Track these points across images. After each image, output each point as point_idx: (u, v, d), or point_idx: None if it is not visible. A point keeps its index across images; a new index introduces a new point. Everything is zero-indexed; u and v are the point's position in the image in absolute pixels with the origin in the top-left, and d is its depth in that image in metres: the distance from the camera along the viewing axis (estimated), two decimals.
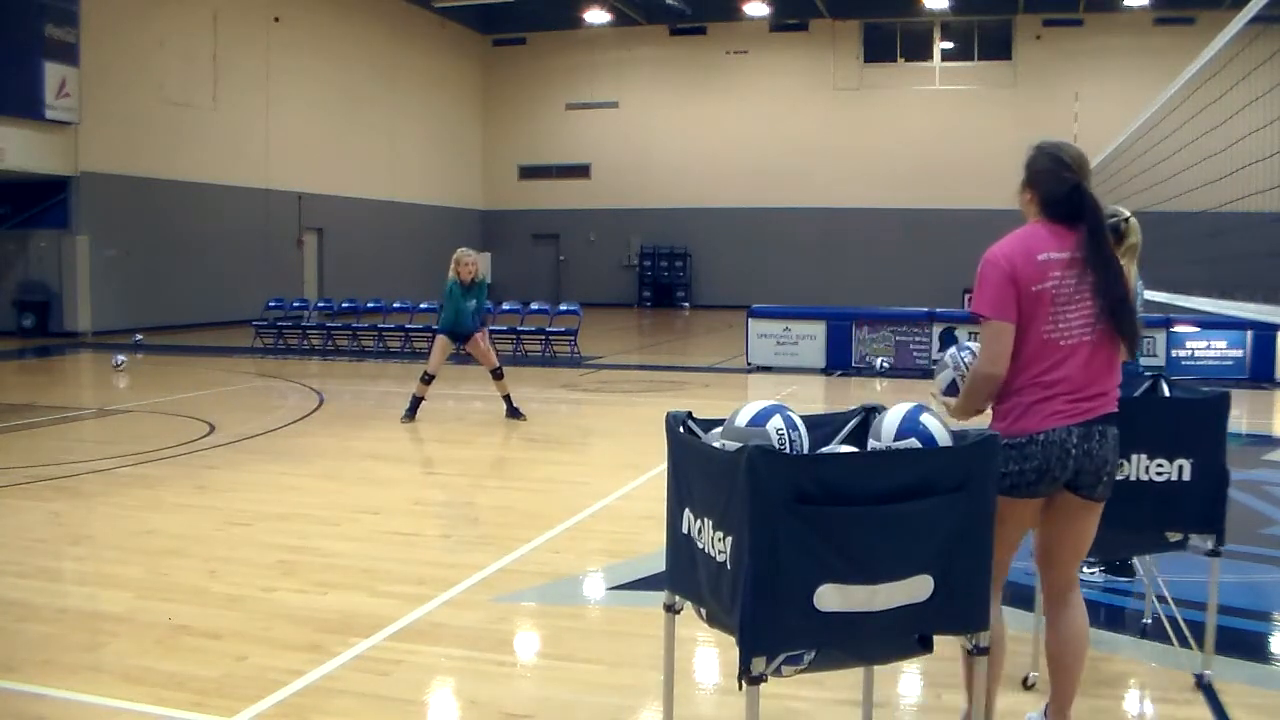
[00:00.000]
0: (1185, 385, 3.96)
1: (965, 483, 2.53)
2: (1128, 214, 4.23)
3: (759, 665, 2.43)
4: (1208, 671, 3.74)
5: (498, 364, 10.16)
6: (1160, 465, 3.52)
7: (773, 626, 2.42)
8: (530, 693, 3.79)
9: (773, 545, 2.39)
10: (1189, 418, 3.64)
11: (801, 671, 2.63)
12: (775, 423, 2.68)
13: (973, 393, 3.05)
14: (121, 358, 14.36)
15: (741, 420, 2.71)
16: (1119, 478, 3.42)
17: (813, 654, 2.57)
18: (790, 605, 2.42)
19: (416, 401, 9.88)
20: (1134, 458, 3.48)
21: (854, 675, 3.80)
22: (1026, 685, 3.72)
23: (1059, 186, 3.00)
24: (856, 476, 2.50)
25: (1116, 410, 3.02)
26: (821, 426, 3.02)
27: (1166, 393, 3.85)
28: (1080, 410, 2.94)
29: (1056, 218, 3.01)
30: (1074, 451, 2.94)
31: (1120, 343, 3.01)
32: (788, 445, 2.67)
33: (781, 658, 2.51)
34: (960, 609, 2.60)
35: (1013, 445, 2.92)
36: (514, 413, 10.00)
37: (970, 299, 3.08)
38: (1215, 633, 3.73)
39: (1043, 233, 3.00)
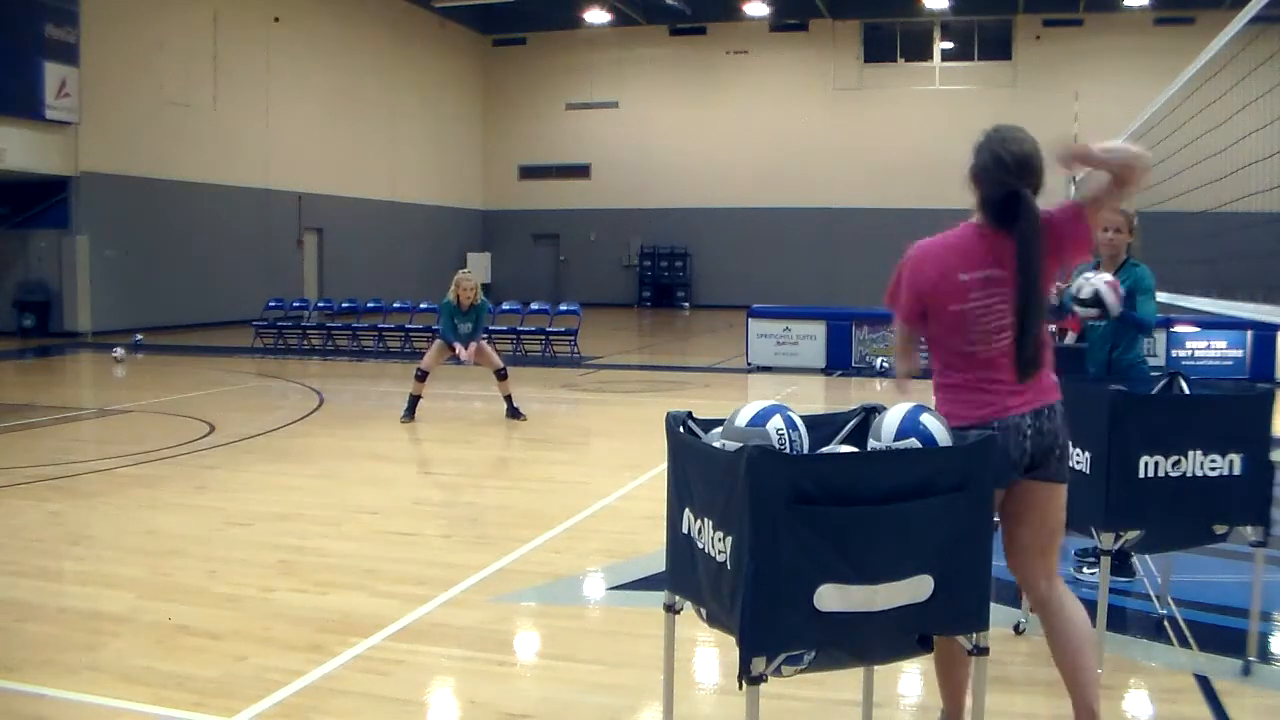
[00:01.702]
0: (1202, 382, 4.02)
1: (965, 482, 2.53)
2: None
3: (759, 665, 2.43)
4: (1252, 659, 3.85)
5: (502, 365, 10.15)
6: (1214, 460, 3.61)
7: (773, 627, 2.42)
8: (530, 693, 3.79)
9: (773, 545, 2.39)
10: (1240, 413, 3.75)
11: (801, 671, 2.62)
12: (775, 423, 2.69)
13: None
14: (120, 349, 15.15)
15: (741, 420, 2.71)
16: (1175, 474, 3.53)
17: (812, 654, 2.56)
18: (790, 605, 2.42)
19: (414, 401, 9.88)
20: (1190, 453, 3.57)
21: (854, 675, 3.79)
22: (1018, 631, 3.99)
23: (995, 189, 2.86)
24: (856, 476, 2.51)
25: (1058, 398, 2.96)
26: (822, 427, 3.02)
27: (1185, 390, 3.93)
28: (1025, 401, 2.90)
29: (992, 220, 2.89)
30: (1029, 432, 2.88)
31: (1016, 363, 2.86)
32: (787, 445, 2.67)
33: (781, 658, 2.50)
34: (961, 609, 2.59)
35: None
36: (514, 413, 10.00)
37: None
38: (1235, 630, 3.79)
39: (971, 243, 2.91)
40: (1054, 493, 2.97)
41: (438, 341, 10.06)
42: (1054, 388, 2.99)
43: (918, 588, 2.49)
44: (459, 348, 9.80)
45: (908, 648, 2.73)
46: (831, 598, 2.43)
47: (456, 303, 9.80)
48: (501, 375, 10.07)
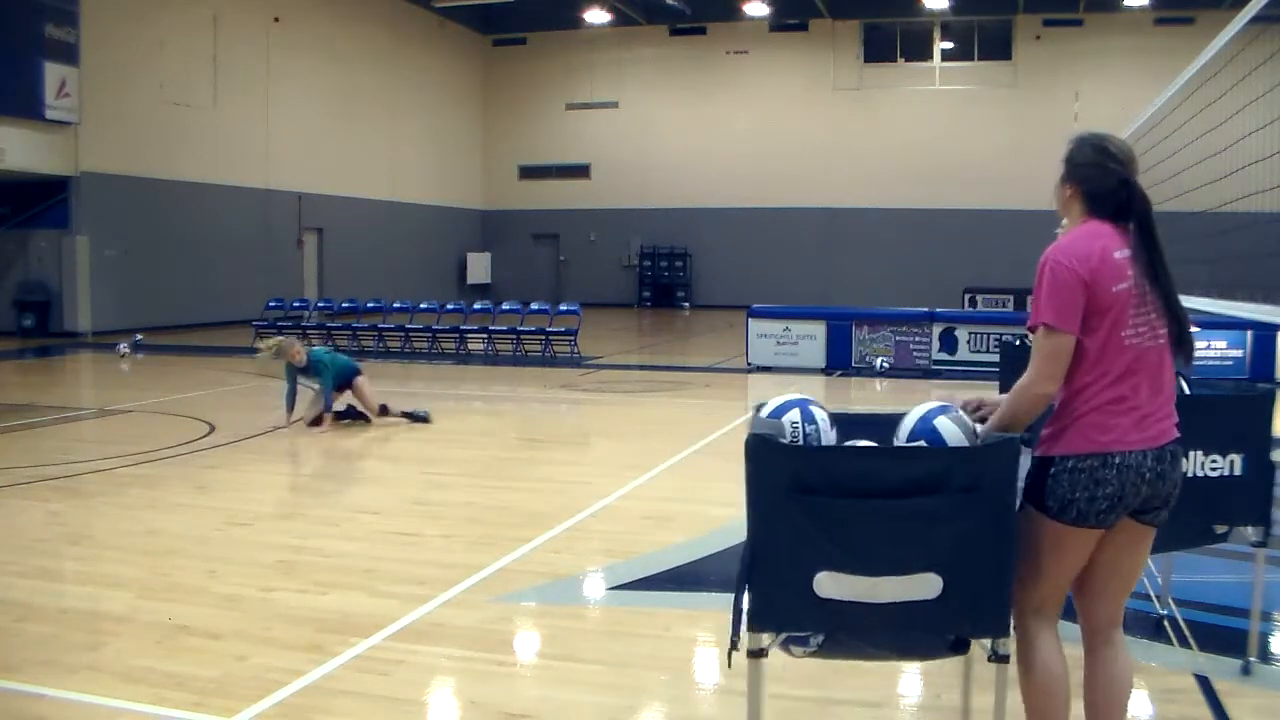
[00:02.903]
0: (1202, 382, 4.02)
1: (978, 484, 2.51)
2: None
3: (758, 640, 2.56)
4: (1252, 659, 3.85)
5: (375, 408, 9.63)
6: (1214, 460, 3.61)
7: (771, 605, 2.56)
8: (530, 693, 3.79)
9: (770, 530, 2.54)
10: (1240, 414, 3.75)
11: (813, 655, 2.74)
12: (792, 416, 2.82)
13: (1016, 414, 2.68)
14: (124, 346, 15.68)
15: (765, 411, 2.84)
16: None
17: (820, 639, 2.65)
18: (789, 588, 2.53)
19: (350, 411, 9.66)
20: (1191, 454, 3.56)
21: (854, 675, 3.80)
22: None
23: (1105, 180, 2.73)
24: (856, 470, 2.56)
25: (1179, 436, 2.75)
26: (877, 425, 3.05)
27: (1186, 390, 3.94)
28: (1154, 434, 2.67)
29: (1102, 215, 2.74)
30: (1148, 475, 2.64)
31: (1178, 353, 2.75)
32: (800, 438, 2.74)
33: (783, 637, 2.62)
34: (977, 612, 2.57)
35: (1081, 469, 2.62)
36: (401, 414, 9.65)
37: (1030, 303, 2.76)
38: (1235, 630, 3.77)
39: (1108, 229, 2.72)
40: (1149, 536, 2.79)
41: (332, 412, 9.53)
42: (1175, 414, 2.76)
43: (922, 585, 2.51)
44: (287, 414, 9.38)
45: (934, 647, 2.74)
46: (829, 585, 2.50)
47: (292, 367, 9.46)
48: (383, 412, 9.60)
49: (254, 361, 9.38)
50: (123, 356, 15.58)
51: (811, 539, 2.50)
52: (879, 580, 2.50)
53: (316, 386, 9.51)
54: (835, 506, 2.50)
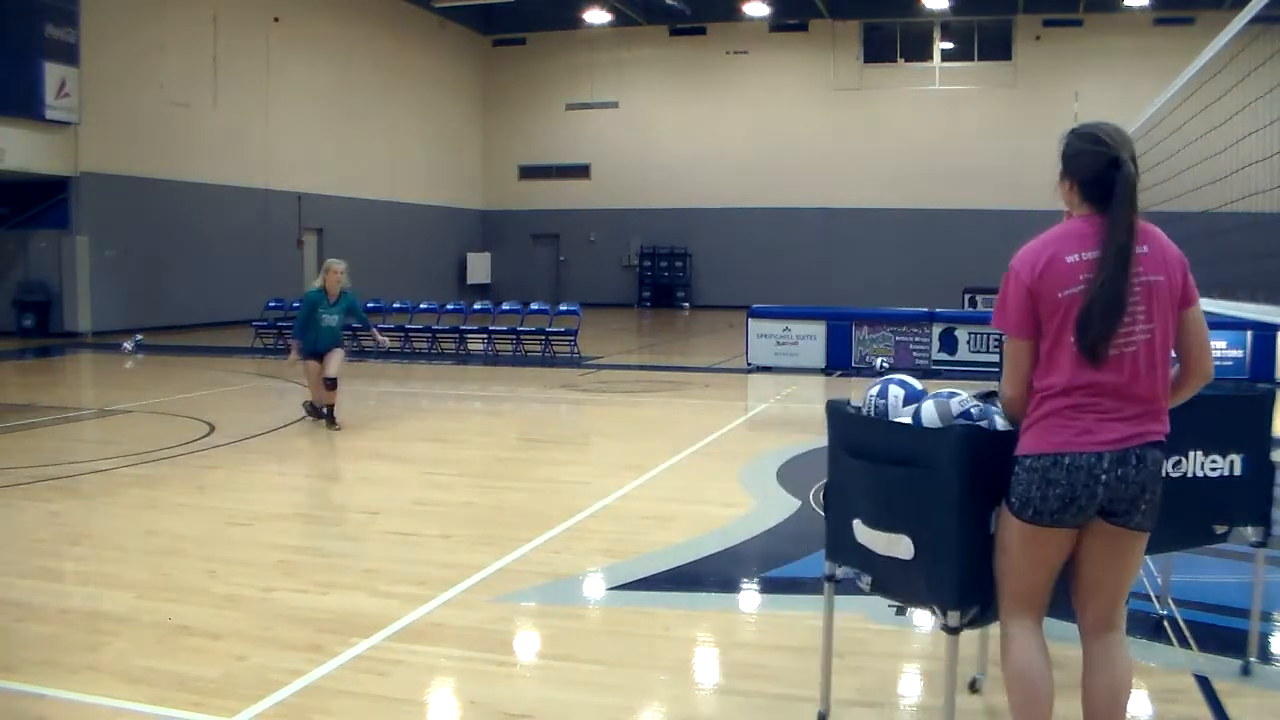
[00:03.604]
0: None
1: (928, 463, 2.84)
2: None
3: (829, 567, 3.29)
4: (1252, 659, 3.86)
5: (335, 376, 9.46)
6: (1214, 460, 3.60)
7: (833, 539, 3.26)
8: (530, 693, 3.79)
9: (831, 478, 3.26)
10: (1240, 413, 3.74)
11: (867, 593, 3.17)
12: (874, 389, 3.28)
13: (1007, 416, 2.84)
14: (129, 344, 16.24)
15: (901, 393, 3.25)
16: (1175, 474, 3.49)
17: (869, 579, 3.12)
18: (841, 527, 3.17)
19: (317, 408, 9.57)
20: (1190, 454, 3.56)
21: (854, 675, 3.80)
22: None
23: (1094, 162, 2.69)
24: (862, 437, 3.13)
25: (1160, 440, 2.68)
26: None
27: None
28: (1115, 436, 2.62)
29: (1094, 200, 2.69)
30: (1104, 478, 2.62)
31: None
32: (871, 408, 3.22)
33: (841, 568, 3.23)
34: (934, 580, 2.88)
35: (1035, 468, 2.65)
36: (330, 419, 9.48)
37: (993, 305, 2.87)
38: (1235, 630, 3.75)
39: (1077, 231, 2.70)
40: (1132, 539, 2.73)
41: (307, 363, 9.50)
42: (1163, 420, 2.69)
43: (898, 545, 2.93)
44: (295, 347, 9.40)
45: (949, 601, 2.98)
46: (859, 531, 3.06)
47: (323, 292, 9.54)
48: (331, 385, 9.41)
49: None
50: (128, 353, 15.98)
51: (847, 490, 3.14)
52: (876, 533, 2.98)
53: (335, 321, 9.50)
54: (854, 465, 3.08)
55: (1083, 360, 2.62)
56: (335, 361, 9.52)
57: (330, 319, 9.57)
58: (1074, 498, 2.62)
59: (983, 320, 15.48)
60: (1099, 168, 2.68)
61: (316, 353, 9.48)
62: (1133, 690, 2.79)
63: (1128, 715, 2.83)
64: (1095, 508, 2.65)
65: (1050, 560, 2.74)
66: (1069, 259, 2.66)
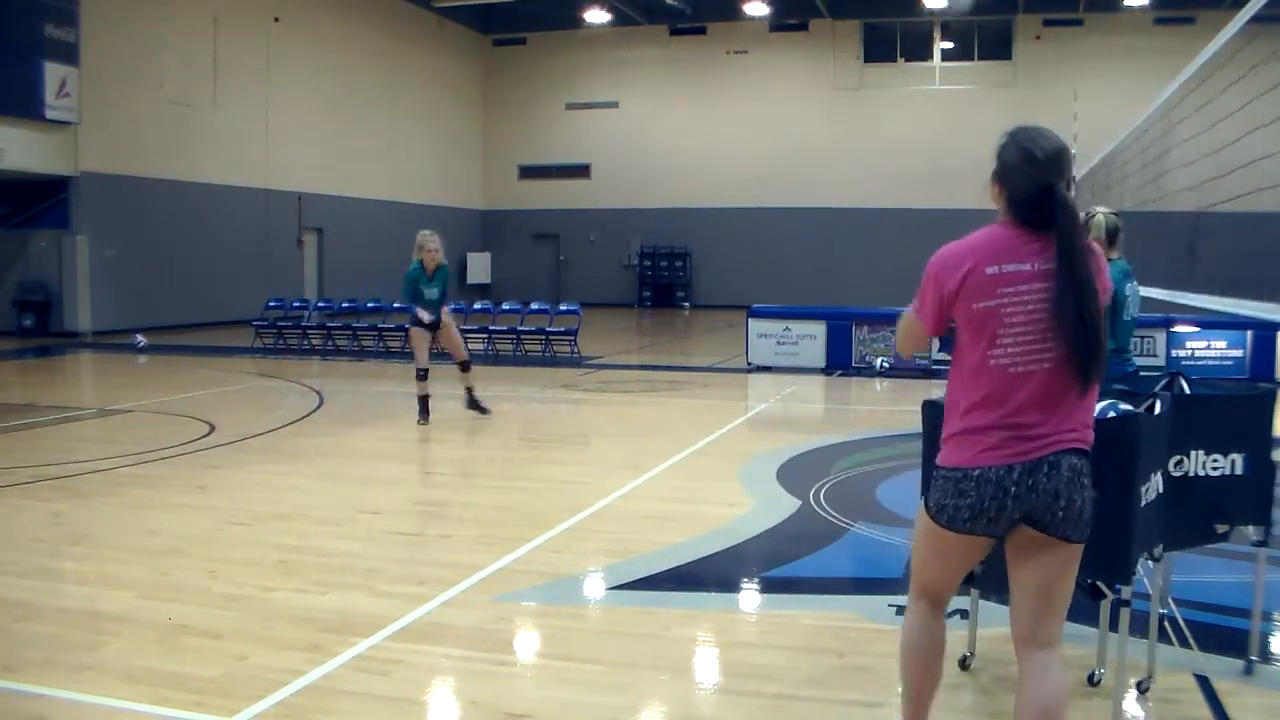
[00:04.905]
0: (1202, 382, 4.02)
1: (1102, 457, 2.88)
2: (1097, 210, 4.26)
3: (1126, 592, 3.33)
4: (1253, 659, 3.87)
5: (467, 357, 10.10)
6: (1215, 460, 3.62)
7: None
8: (530, 693, 3.79)
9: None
10: (1242, 413, 3.76)
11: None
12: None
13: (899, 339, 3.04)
14: (140, 337, 16.90)
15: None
16: (1176, 474, 3.52)
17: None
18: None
19: (424, 401, 9.81)
20: (1191, 454, 3.58)
21: (854, 675, 3.80)
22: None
23: (1027, 185, 2.64)
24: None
25: (1078, 446, 2.64)
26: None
27: (1186, 390, 3.92)
28: (1023, 449, 2.60)
29: (1024, 220, 2.65)
30: (1014, 490, 2.59)
31: (1078, 378, 2.58)
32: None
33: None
34: (1099, 557, 3.04)
35: (950, 478, 2.67)
36: (475, 405, 9.98)
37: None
38: (1236, 630, 3.75)
39: (1002, 239, 2.66)
40: (1057, 551, 2.66)
41: (414, 330, 9.92)
42: (1081, 430, 2.66)
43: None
44: (423, 313, 9.67)
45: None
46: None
47: (421, 267, 9.69)
48: (465, 368, 10.01)
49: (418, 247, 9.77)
50: (138, 350, 16.46)
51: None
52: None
53: (435, 294, 9.66)
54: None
55: (999, 376, 2.62)
56: (457, 341, 10.02)
57: (431, 292, 9.75)
58: (982, 509, 2.63)
59: None
60: (1031, 190, 2.63)
61: (424, 324, 9.78)
62: (1068, 712, 2.68)
63: (1127, 716, 2.83)
64: (1007, 519, 2.64)
65: (959, 561, 2.83)
66: (989, 270, 2.62)
